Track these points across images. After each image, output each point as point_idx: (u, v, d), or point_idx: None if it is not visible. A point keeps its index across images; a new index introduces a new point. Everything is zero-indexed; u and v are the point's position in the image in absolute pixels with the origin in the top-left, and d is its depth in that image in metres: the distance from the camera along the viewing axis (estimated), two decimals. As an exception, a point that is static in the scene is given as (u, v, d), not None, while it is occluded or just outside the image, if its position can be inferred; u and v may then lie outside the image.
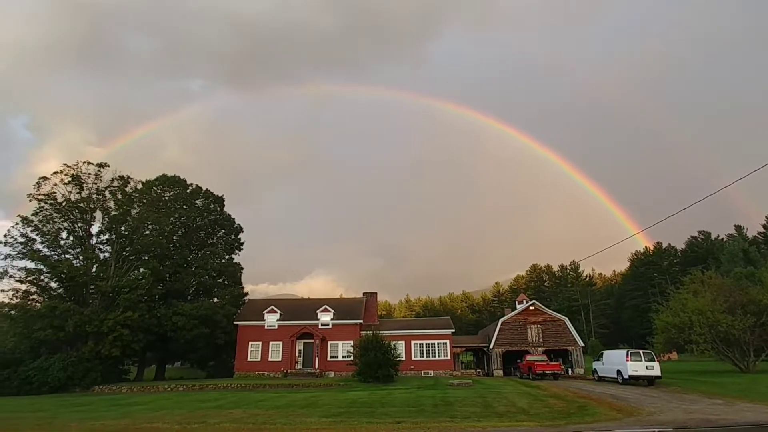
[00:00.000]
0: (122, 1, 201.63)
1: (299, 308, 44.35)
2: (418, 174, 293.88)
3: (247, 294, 49.70)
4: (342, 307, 43.50)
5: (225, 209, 50.41)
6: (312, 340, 39.59)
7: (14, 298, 35.93)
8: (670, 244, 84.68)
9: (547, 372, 33.52)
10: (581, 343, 40.99)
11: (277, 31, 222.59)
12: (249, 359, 40.11)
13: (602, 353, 32.00)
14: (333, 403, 19.35)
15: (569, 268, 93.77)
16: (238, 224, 51.06)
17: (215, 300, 44.28)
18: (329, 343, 40.22)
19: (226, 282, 47.23)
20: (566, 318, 42.73)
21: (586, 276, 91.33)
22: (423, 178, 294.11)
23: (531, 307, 42.21)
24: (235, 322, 41.64)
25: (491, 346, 40.76)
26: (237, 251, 50.65)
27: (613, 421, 14.44)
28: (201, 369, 49.50)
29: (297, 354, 39.83)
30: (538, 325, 41.08)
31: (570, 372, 38.33)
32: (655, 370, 26.13)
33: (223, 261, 47.73)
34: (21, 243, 37.17)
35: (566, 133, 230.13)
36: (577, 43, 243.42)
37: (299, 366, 39.26)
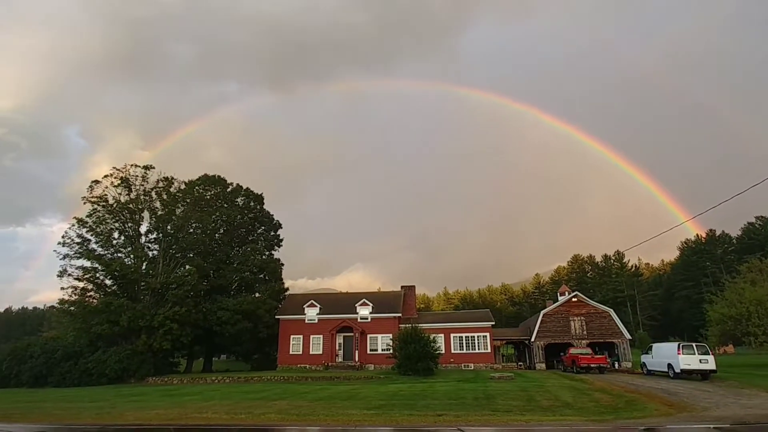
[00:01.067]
0: (162, 12, 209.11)
1: (338, 302, 44.97)
2: (455, 166, 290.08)
3: (287, 289, 50.87)
4: (380, 300, 43.78)
5: (264, 207, 51.68)
6: (351, 334, 40.09)
7: (73, 295, 38.09)
8: (724, 232, 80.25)
9: (592, 365, 32.53)
10: (628, 336, 39.57)
11: (309, 30, 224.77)
12: (291, 352, 41.11)
13: (651, 346, 30.83)
14: (374, 396, 19.54)
15: (613, 258, 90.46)
16: (277, 221, 52.27)
17: (257, 295, 45.60)
18: (368, 336, 40.61)
19: (266, 277, 48.46)
20: (611, 310, 41.33)
21: (632, 266, 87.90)
22: (461, 171, 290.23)
23: (573, 299, 41.09)
24: (276, 317, 42.74)
25: (533, 339, 40.00)
26: (277, 247, 51.88)
27: (664, 417, 13.84)
28: (246, 362, 51.17)
29: (337, 347, 40.47)
30: (582, 317, 39.95)
31: (617, 365, 37.12)
32: (710, 363, 24.93)
33: (263, 257, 48.96)
34: (77, 243, 39.39)
35: (609, 117, 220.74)
36: (619, 23, 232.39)
37: (340, 359, 39.88)
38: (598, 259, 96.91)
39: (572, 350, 35.09)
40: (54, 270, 38.64)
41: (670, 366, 26.33)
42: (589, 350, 35.04)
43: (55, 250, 38.91)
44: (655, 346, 30.29)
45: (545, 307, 42.98)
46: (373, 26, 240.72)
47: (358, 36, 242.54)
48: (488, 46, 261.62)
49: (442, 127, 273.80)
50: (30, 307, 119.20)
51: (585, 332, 39.42)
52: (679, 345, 26.55)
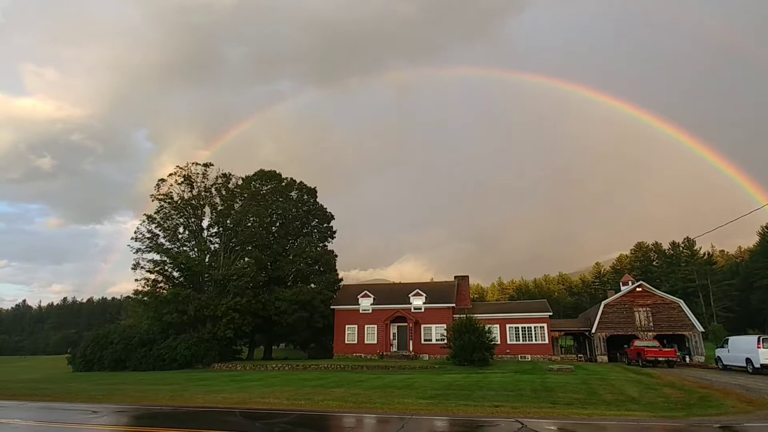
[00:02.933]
0: (217, 18, 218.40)
1: (391, 292, 45.29)
2: (510, 154, 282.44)
3: (341, 280, 51.85)
4: (434, 290, 43.65)
5: (317, 200, 52.84)
6: (405, 324, 40.32)
7: (146, 286, 41.07)
8: (811, 215, 72.72)
9: (660, 359, 30.74)
10: (700, 329, 37.02)
11: (356, 23, 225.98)
12: (346, 341, 41.98)
13: (727, 339, 28.72)
14: (429, 385, 19.58)
15: (682, 245, 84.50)
16: (330, 213, 53.25)
17: (312, 286, 46.86)
18: (422, 326, 40.68)
19: (321, 269, 49.63)
20: (681, 300, 38.82)
21: (704, 254, 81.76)
22: (515, 158, 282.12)
23: (638, 289, 38.95)
24: (331, 307, 43.77)
25: (593, 330, 38.41)
26: (330, 239, 52.96)
27: (743, 414, 12.86)
28: (303, 350, 52.93)
29: (391, 337, 40.87)
30: (647, 308, 37.82)
31: (687, 360, 34.92)
32: (794, 358, 22.89)
33: (317, 249, 50.17)
34: (148, 238, 42.37)
35: (676, 95, 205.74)
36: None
37: (394, 348, 40.28)
38: (665, 246, 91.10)
39: (637, 342, 33.41)
40: (129, 263, 41.66)
41: (748, 360, 24.44)
42: (656, 343, 33.20)
43: (128, 245, 42.19)
44: (731, 339, 28.22)
45: (606, 298, 41.11)
46: (420, 15, 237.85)
47: (406, 26, 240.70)
48: (539, 28, 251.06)
49: (497, 114, 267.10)
50: (109, 298, 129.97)
51: (651, 324, 37.33)
52: (759, 338, 24.56)
